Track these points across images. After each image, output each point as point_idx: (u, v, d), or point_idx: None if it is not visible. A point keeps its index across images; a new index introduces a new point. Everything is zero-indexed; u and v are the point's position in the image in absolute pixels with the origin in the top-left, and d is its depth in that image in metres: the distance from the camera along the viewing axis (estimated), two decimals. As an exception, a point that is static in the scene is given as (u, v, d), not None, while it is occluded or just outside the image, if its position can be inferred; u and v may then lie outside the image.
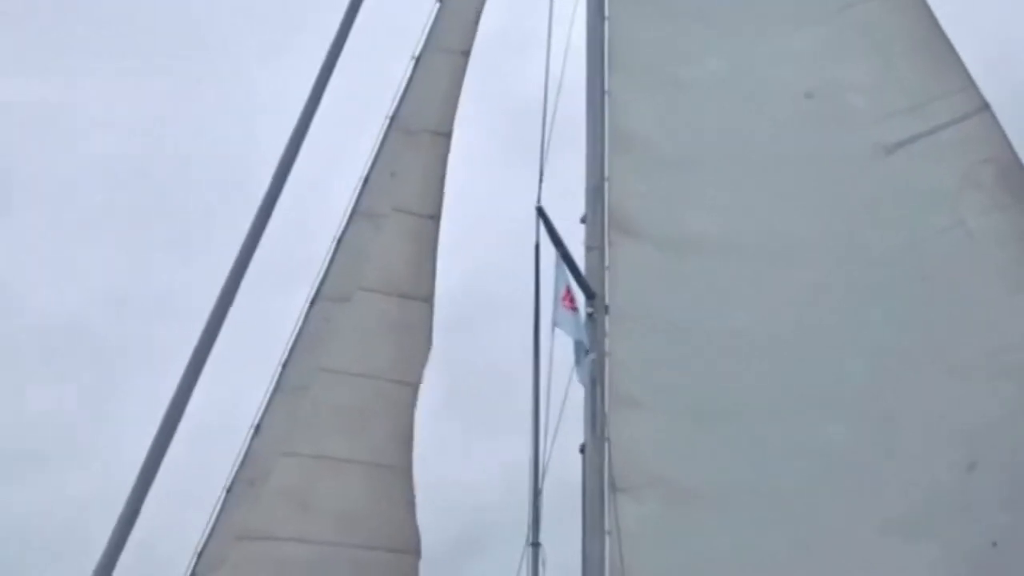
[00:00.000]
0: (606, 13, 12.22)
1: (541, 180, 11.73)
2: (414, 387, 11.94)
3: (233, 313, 10.43)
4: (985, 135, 11.48)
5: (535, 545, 10.94)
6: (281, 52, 22.16)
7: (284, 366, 12.07)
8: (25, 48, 24.56)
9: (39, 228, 24.81)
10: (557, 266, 11.25)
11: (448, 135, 12.46)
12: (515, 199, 11.88)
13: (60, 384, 23.19)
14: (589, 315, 11.33)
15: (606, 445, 11.14)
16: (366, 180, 12.46)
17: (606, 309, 11.44)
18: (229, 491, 11.77)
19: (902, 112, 11.70)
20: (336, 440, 11.77)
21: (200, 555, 11.61)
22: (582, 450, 11.26)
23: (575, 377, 11.29)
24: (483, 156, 14.26)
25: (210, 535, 11.67)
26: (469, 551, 13.88)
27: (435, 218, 12.35)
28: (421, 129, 12.41)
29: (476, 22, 12.57)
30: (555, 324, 11.17)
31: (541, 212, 11.46)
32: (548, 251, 11.36)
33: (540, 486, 11.04)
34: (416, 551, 11.69)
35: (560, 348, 11.24)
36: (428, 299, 12.15)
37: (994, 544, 10.51)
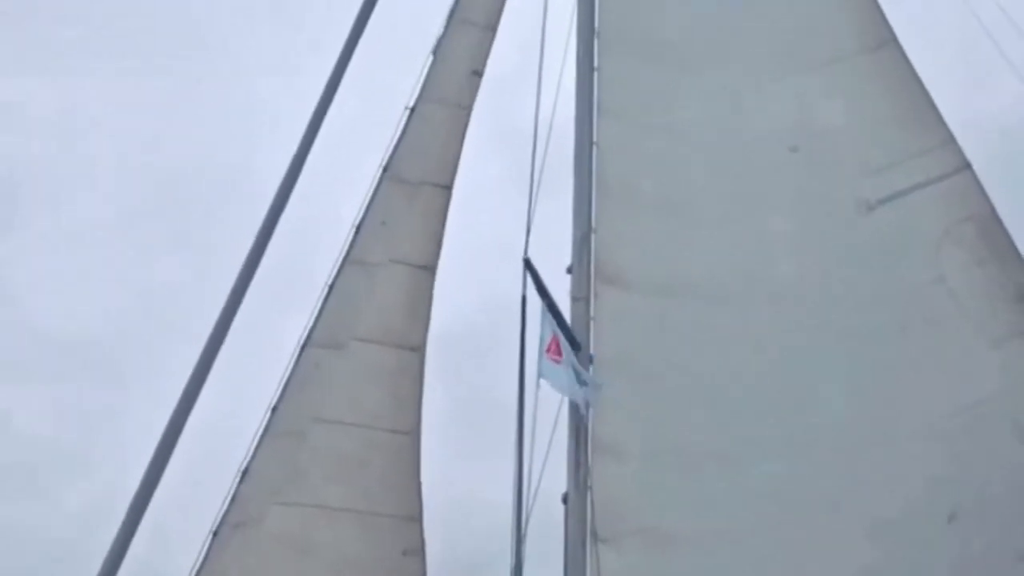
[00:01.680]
0: (595, 64, 12.37)
1: (528, 233, 11.85)
2: (410, 435, 12.03)
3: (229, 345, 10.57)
4: (966, 193, 11.68)
5: (519, 597, 11.02)
6: (284, 53, 22.24)
7: (274, 411, 12.20)
8: (25, 49, 24.82)
9: (46, 237, 24.93)
10: (543, 317, 11.36)
11: (447, 187, 12.54)
12: (511, 238, 11.98)
13: (63, 395, 23.31)
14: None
15: (588, 495, 11.25)
16: (358, 228, 12.58)
17: (591, 359, 11.54)
18: (215, 535, 11.88)
19: (885, 169, 11.88)
20: (331, 489, 11.87)
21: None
22: (565, 500, 11.36)
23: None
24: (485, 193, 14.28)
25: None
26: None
27: (429, 269, 12.41)
28: (418, 180, 12.50)
29: (476, 76, 12.65)
30: (540, 375, 11.28)
31: (528, 264, 11.58)
32: (536, 301, 11.45)
33: (523, 534, 11.12)
34: None
35: (545, 399, 11.36)
36: (419, 348, 12.22)
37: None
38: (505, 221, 12.01)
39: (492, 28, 12.75)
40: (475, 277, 14.16)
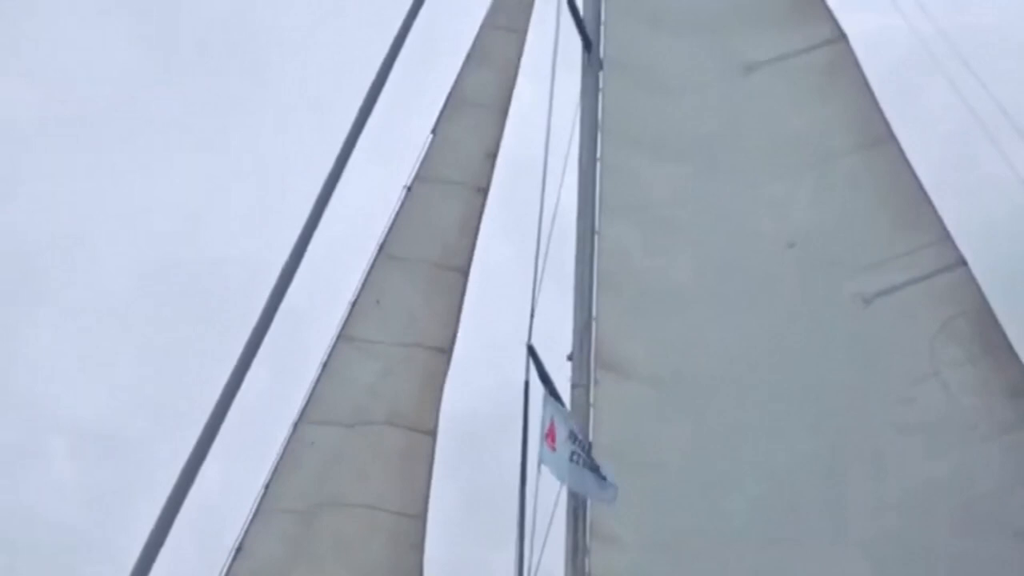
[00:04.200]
0: (598, 154, 12.54)
1: (532, 319, 11.94)
2: (416, 519, 11.97)
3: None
4: (961, 289, 11.85)
5: None
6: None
7: (266, 488, 12.16)
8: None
9: (67, 332, 24.89)
10: (544, 404, 11.43)
11: (458, 269, 12.50)
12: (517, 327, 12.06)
13: (86, 489, 23.44)
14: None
15: (586, 580, 11.32)
16: (352, 306, 12.59)
17: (589, 446, 11.60)
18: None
19: (880, 264, 12.05)
20: (332, 570, 11.81)
21: None
22: (563, 587, 11.43)
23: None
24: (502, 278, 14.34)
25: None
26: None
27: (441, 350, 12.31)
28: (419, 260, 12.51)
29: (488, 159, 12.72)
30: (540, 461, 11.34)
31: (531, 351, 11.66)
32: (538, 388, 11.53)
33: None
34: None
35: (545, 484, 11.42)
36: (430, 432, 12.15)
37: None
38: (519, 307, 12.05)
39: (500, 111, 12.83)
40: (488, 362, 14.15)
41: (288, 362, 12.32)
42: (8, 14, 24.83)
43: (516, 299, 12.21)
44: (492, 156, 12.72)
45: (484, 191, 12.64)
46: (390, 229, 12.75)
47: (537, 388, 11.57)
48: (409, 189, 12.78)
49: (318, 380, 12.43)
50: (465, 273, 12.51)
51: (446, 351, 12.34)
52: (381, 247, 12.70)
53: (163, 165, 24.83)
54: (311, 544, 11.82)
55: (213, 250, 23.99)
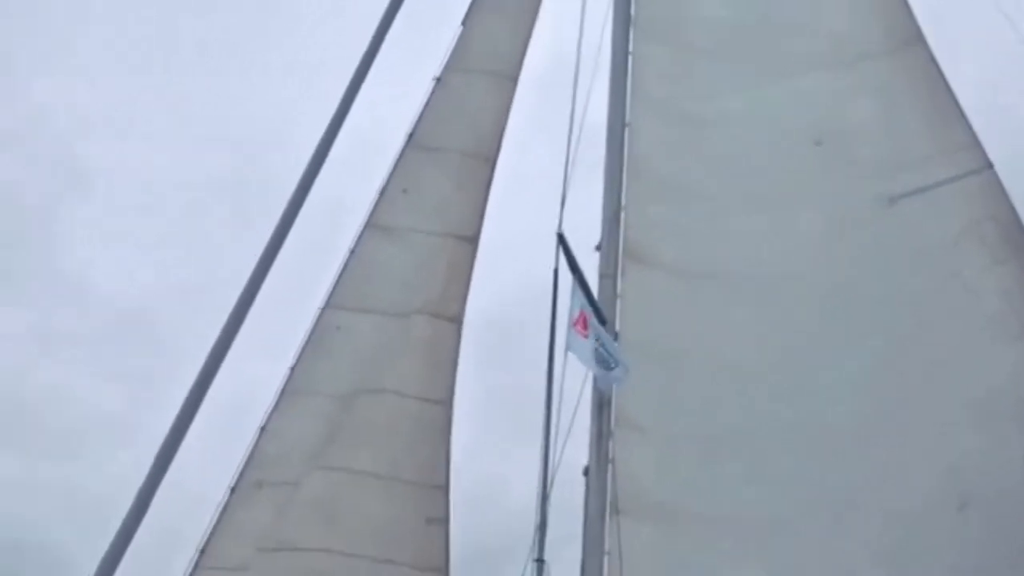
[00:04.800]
0: (630, 48, 12.56)
1: (563, 207, 12.04)
2: (442, 405, 12.08)
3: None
4: (987, 193, 11.89)
5: (539, 561, 11.21)
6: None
7: (291, 370, 12.29)
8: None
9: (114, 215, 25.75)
10: (573, 292, 11.53)
11: (486, 158, 12.54)
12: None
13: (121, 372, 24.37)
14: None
15: (610, 468, 11.46)
16: (380, 194, 12.67)
17: (616, 336, 11.72)
18: (233, 491, 11.98)
19: (907, 165, 12.09)
20: (357, 453, 11.95)
21: (202, 552, 11.83)
22: (586, 472, 11.56)
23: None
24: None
25: (212, 533, 11.89)
26: (493, 561, 14.11)
27: (468, 239, 12.40)
28: (447, 149, 12.56)
29: (517, 50, 12.72)
30: (568, 348, 11.45)
31: (561, 238, 11.75)
32: (567, 276, 11.62)
33: (547, 501, 11.32)
34: (440, 569, 11.86)
35: (572, 371, 11.54)
36: (456, 319, 12.24)
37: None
38: (552, 202, 12.15)
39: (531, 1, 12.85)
40: (520, 253, 14.22)
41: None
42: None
43: (549, 196, 12.30)
44: (523, 46, 12.73)
45: (514, 80, 12.68)
46: (419, 120, 12.80)
47: (566, 276, 11.66)
48: (439, 80, 12.82)
49: (345, 266, 12.54)
50: (493, 163, 12.56)
51: (473, 240, 12.44)
52: (410, 137, 12.76)
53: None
54: (340, 427, 11.96)
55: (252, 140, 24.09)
